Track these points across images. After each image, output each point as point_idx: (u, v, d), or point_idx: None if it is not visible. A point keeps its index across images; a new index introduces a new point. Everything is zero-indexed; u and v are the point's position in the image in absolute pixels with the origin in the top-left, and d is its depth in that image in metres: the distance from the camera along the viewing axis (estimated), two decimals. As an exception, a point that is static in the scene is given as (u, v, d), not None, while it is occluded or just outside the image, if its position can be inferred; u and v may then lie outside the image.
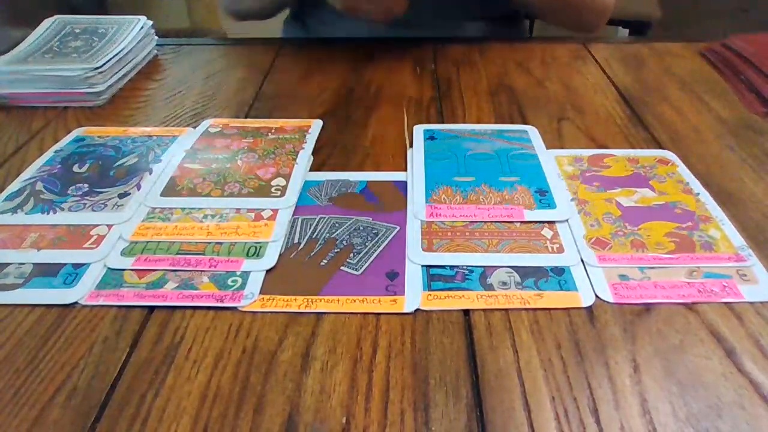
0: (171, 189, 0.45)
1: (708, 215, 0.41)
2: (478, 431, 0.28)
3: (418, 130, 0.53)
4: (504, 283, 0.36)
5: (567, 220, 0.41)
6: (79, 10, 0.76)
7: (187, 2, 2.15)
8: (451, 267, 0.38)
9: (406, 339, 0.33)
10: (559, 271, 0.37)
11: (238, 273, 0.37)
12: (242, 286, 0.36)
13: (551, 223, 0.41)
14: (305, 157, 0.49)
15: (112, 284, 0.37)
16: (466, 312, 0.35)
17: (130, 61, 0.64)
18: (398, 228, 0.41)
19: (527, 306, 0.35)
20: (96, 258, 0.39)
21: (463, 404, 0.29)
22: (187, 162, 0.49)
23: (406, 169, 0.48)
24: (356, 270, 0.38)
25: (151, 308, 0.35)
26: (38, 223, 0.42)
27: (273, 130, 0.53)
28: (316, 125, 0.54)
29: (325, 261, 0.38)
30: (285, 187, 0.45)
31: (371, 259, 0.38)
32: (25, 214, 0.43)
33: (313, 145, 0.51)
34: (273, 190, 0.45)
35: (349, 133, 0.54)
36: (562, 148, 0.50)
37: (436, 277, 0.37)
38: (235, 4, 0.76)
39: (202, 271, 0.38)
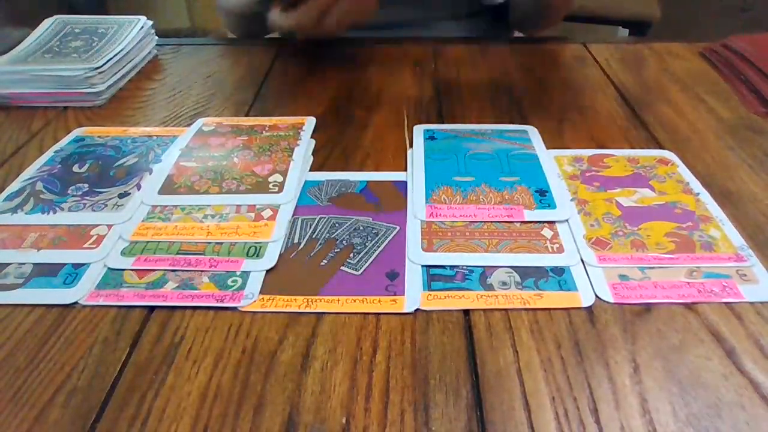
0: (168, 187, 0.45)
1: (708, 215, 0.41)
2: (478, 431, 0.28)
3: (418, 130, 0.53)
4: (504, 283, 0.36)
5: (567, 220, 0.41)
6: (79, 10, 0.77)
7: (187, 2, 2.15)
8: (451, 267, 0.38)
9: (406, 339, 0.33)
10: (559, 271, 0.37)
11: (238, 273, 0.37)
12: (242, 286, 0.36)
13: (551, 223, 0.41)
14: (301, 153, 0.49)
15: (112, 284, 0.37)
16: (466, 312, 0.35)
17: (130, 61, 0.64)
18: (398, 228, 0.41)
19: (527, 306, 0.35)
20: (96, 258, 0.39)
21: (463, 404, 0.29)
22: (182, 160, 0.49)
23: (406, 169, 0.48)
24: (356, 270, 0.38)
25: (151, 308, 0.35)
26: (38, 223, 0.42)
27: (267, 128, 0.53)
28: (310, 122, 0.54)
29: (325, 261, 0.38)
30: (282, 183, 0.45)
31: (371, 259, 0.38)
32: (25, 214, 0.43)
33: (307, 142, 0.51)
34: (271, 186, 0.45)
35: (349, 133, 0.54)
36: (562, 148, 0.50)
37: (436, 277, 0.37)
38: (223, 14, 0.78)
39: (202, 271, 0.38)
